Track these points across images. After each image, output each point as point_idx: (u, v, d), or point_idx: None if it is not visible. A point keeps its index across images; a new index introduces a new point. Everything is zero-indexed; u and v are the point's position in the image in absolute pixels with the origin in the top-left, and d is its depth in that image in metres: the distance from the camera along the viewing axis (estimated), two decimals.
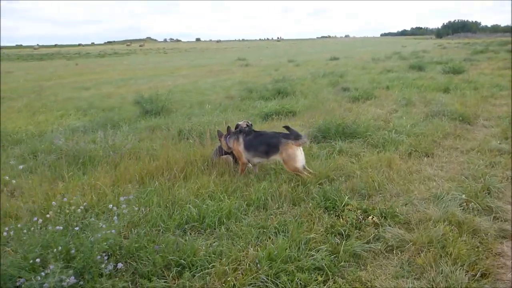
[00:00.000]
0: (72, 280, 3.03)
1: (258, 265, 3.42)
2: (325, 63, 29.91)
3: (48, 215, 3.84)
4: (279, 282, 3.24)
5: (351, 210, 4.32)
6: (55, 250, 3.29)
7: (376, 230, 4.04)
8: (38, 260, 3.22)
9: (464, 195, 4.60)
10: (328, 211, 4.43)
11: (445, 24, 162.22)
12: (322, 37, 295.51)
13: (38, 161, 6.53)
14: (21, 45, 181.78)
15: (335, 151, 6.53)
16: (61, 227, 3.56)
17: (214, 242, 3.87)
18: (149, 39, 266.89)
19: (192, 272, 3.40)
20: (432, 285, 3.22)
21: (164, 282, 3.30)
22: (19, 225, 3.70)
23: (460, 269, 3.34)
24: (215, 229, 4.16)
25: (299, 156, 5.36)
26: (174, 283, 3.30)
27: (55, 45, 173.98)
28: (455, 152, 6.61)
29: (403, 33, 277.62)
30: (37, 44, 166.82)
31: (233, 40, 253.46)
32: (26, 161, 6.67)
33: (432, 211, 4.32)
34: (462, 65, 18.31)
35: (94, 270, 3.27)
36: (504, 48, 34.50)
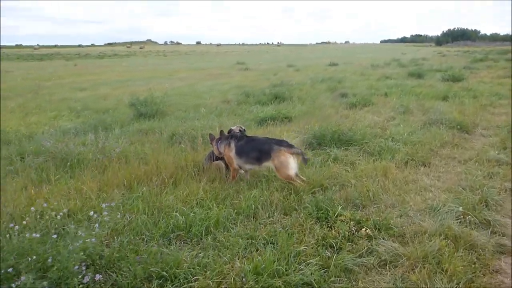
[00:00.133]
0: None
1: (244, 279, 3.25)
2: (324, 68, 29.82)
3: (25, 222, 3.66)
4: None
5: (343, 221, 4.16)
6: (29, 259, 3.12)
7: (369, 243, 3.88)
8: (10, 269, 3.04)
9: (461, 207, 4.44)
10: (320, 221, 4.27)
11: (444, 32, 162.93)
12: (322, 42, 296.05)
13: (25, 163, 6.36)
14: (21, 44, 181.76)
15: (330, 158, 6.37)
16: (38, 235, 3.38)
17: (200, 253, 3.70)
18: (149, 41, 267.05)
19: (174, 285, 3.23)
20: None
21: None
22: None
23: (456, 287, 3.19)
24: (201, 238, 3.99)
25: (292, 164, 5.20)
26: None
27: (55, 46, 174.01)
28: (453, 162, 6.46)
29: (403, 40, 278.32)
30: (37, 44, 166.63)
31: (234, 44, 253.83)
32: (13, 163, 6.49)
33: (428, 223, 4.16)
34: (461, 73, 18.21)
35: (71, 281, 3.10)
36: (503, 56, 34.51)
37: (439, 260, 3.52)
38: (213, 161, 5.98)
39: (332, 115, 9.86)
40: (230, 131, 6.04)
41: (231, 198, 4.84)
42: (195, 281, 3.25)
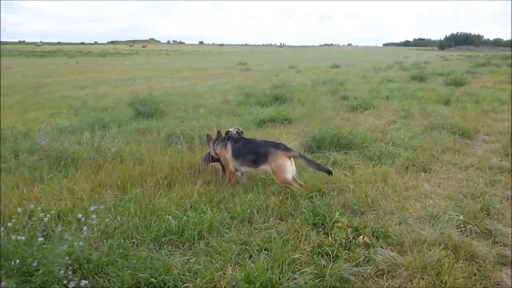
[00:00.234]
0: None
1: (235, 287, 3.13)
2: (326, 70, 29.70)
3: (10, 223, 3.55)
4: None
5: (341, 228, 4.04)
6: (13, 263, 3.01)
7: (367, 251, 3.76)
8: None
9: (462, 216, 4.32)
10: (316, 227, 4.15)
11: (447, 36, 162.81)
12: (325, 44, 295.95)
13: (19, 162, 6.25)
14: (24, 41, 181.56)
15: (329, 162, 6.25)
16: (24, 237, 3.27)
17: (191, 259, 3.59)
18: (152, 40, 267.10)
19: None
20: None
21: None
22: None
23: None
24: (194, 243, 3.88)
25: (289, 167, 5.09)
26: None
27: (58, 43, 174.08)
28: (454, 168, 6.34)
29: (406, 43, 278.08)
30: (40, 41, 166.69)
31: (236, 45, 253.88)
32: (7, 160, 6.39)
33: (428, 232, 4.04)
34: (463, 78, 18.07)
35: (55, 287, 2.98)
36: (506, 62, 34.32)
37: (439, 271, 3.39)
38: (210, 162, 5.87)
39: (333, 118, 9.74)
40: (227, 132, 5.93)
41: (226, 201, 4.73)
42: None
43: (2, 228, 3.40)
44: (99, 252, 3.54)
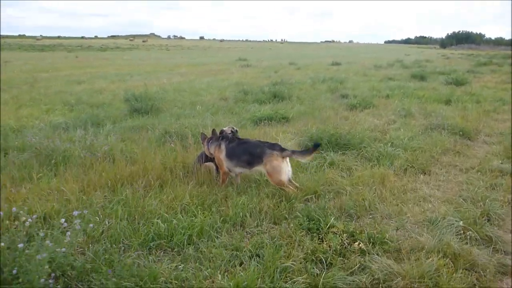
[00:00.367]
0: None
1: None
2: (327, 67, 29.48)
3: None
4: None
5: (336, 233, 3.90)
6: None
7: (362, 259, 3.61)
8: None
9: (461, 221, 4.18)
10: (311, 232, 4.01)
11: (449, 34, 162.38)
12: (326, 41, 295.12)
13: (8, 160, 6.10)
14: (24, 35, 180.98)
15: (325, 163, 6.10)
16: (2, 243, 3.12)
17: (180, 265, 3.45)
18: (152, 35, 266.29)
19: None
20: None
21: None
22: None
23: None
24: (183, 248, 3.73)
25: (285, 169, 4.94)
26: None
27: (58, 37, 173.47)
28: (454, 170, 6.19)
29: (407, 41, 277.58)
30: (40, 35, 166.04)
31: (237, 40, 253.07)
32: None
33: (426, 238, 3.90)
34: (465, 77, 17.87)
35: None
36: (507, 61, 34.09)
37: (437, 282, 3.26)
38: (204, 162, 5.72)
39: (332, 117, 9.58)
40: (222, 131, 5.78)
41: (218, 204, 4.58)
42: None
43: None
44: (84, 258, 3.40)
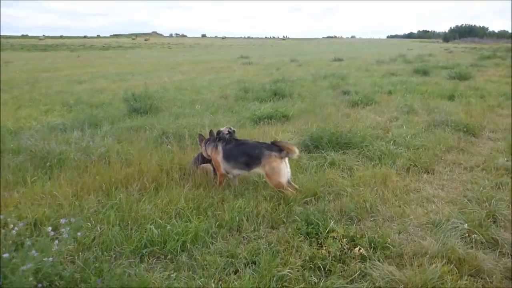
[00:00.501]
0: None
1: None
2: (328, 63, 29.26)
3: None
4: None
5: (335, 238, 3.76)
6: None
7: (363, 265, 3.47)
8: None
9: (466, 224, 4.02)
10: (309, 237, 3.86)
11: (452, 28, 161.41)
12: (328, 37, 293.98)
13: (2, 163, 5.99)
14: (27, 35, 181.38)
15: (326, 163, 5.95)
16: None
17: (172, 274, 3.32)
18: (155, 33, 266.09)
19: None
20: None
21: None
22: None
23: None
24: (176, 255, 3.60)
25: (283, 170, 4.80)
26: None
27: (61, 36, 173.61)
28: (458, 169, 6.03)
29: (410, 35, 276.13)
30: (43, 35, 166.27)
31: (238, 37, 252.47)
32: None
33: (429, 243, 3.75)
34: (468, 71, 17.62)
35: None
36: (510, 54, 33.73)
37: None
38: (202, 163, 5.59)
39: (333, 114, 9.42)
40: (218, 132, 5.64)
41: (214, 208, 4.44)
42: None
43: None
44: (74, 267, 3.28)
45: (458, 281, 3.19)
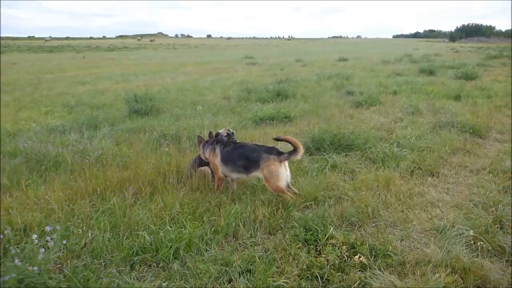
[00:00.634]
0: None
1: None
2: (333, 63, 29.03)
3: None
4: None
5: (335, 246, 3.60)
6: None
7: (363, 274, 3.31)
8: None
9: (471, 230, 3.85)
10: (307, 244, 3.71)
11: (458, 27, 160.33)
12: (334, 37, 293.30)
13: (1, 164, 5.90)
14: (34, 36, 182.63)
15: (327, 165, 5.79)
16: None
17: (163, 283, 3.18)
18: (160, 34, 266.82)
19: None
20: None
21: None
22: None
23: None
24: (168, 263, 3.47)
25: (283, 174, 4.65)
26: None
27: (67, 38, 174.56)
28: (464, 172, 5.85)
29: (416, 35, 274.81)
30: (50, 36, 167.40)
31: (244, 38, 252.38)
32: None
33: (433, 250, 3.58)
34: (475, 71, 17.34)
35: None
36: None
37: None
38: (200, 166, 5.46)
39: (336, 115, 9.25)
40: (217, 134, 5.51)
41: (210, 213, 4.31)
42: None
43: None
44: (61, 276, 3.15)
45: None
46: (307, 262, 3.40)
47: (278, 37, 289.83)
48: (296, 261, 3.45)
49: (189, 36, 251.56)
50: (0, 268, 2.99)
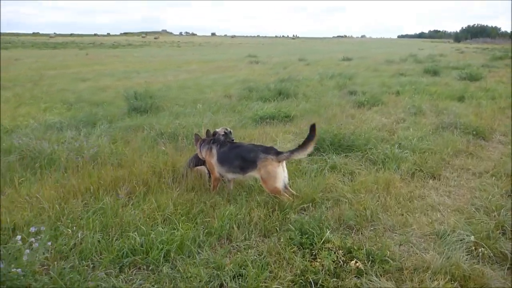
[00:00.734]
0: None
1: None
2: (337, 63, 28.86)
3: None
4: None
5: (331, 250, 3.49)
6: None
7: (359, 280, 3.20)
8: None
9: (472, 236, 3.73)
10: (303, 248, 3.60)
11: (463, 28, 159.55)
12: (338, 36, 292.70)
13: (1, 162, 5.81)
14: (38, 32, 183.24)
15: (327, 166, 5.67)
16: None
17: (152, 286, 3.08)
18: (164, 31, 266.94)
19: None
20: None
21: None
22: None
23: None
24: (158, 266, 3.36)
25: (280, 174, 4.54)
26: None
27: (71, 34, 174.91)
28: (466, 174, 5.72)
29: (421, 35, 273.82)
30: (54, 33, 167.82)
31: (248, 36, 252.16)
32: None
33: (432, 256, 3.47)
34: (479, 72, 17.17)
35: None
36: None
37: None
38: (197, 165, 5.36)
39: (337, 115, 9.12)
40: (215, 133, 5.40)
41: (204, 214, 4.20)
42: None
43: None
44: (47, 278, 3.06)
45: None
46: (302, 267, 3.29)
47: (283, 36, 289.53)
48: (290, 266, 3.34)
49: (193, 34, 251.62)
50: None
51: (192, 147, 6.26)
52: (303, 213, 4.32)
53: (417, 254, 3.59)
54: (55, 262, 3.27)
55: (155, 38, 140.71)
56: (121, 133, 7.64)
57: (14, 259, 3.06)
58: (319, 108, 10.09)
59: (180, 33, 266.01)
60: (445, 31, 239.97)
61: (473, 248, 3.63)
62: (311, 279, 3.15)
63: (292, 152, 4.57)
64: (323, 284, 3.14)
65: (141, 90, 11.66)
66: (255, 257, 3.46)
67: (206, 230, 3.87)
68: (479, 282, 3.13)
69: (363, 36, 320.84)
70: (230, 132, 5.53)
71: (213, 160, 4.91)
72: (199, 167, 5.34)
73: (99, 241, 3.59)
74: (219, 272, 3.24)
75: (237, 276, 3.20)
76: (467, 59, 29.14)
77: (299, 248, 3.60)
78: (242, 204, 4.37)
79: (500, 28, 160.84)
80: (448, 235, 3.84)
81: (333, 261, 3.35)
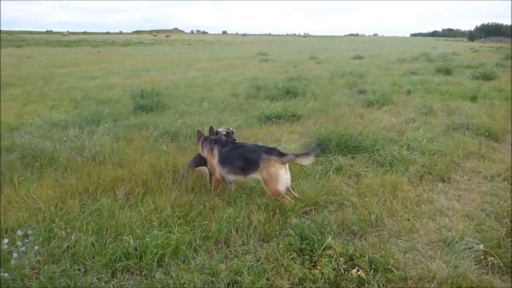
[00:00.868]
0: None
1: None
2: (348, 61, 28.53)
3: None
4: None
5: (332, 257, 3.34)
6: None
7: None
8: None
9: (482, 244, 3.55)
10: (302, 255, 3.45)
11: (478, 26, 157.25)
12: (350, 34, 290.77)
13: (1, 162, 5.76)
14: (51, 30, 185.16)
15: (332, 168, 5.51)
16: None
17: None
18: (176, 30, 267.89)
19: None
20: None
21: None
22: None
23: None
24: (152, 271, 3.25)
25: (282, 176, 4.40)
26: None
27: (84, 32, 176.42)
28: (477, 178, 5.51)
29: (434, 34, 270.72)
30: (67, 31, 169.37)
31: (259, 34, 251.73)
32: None
33: (438, 265, 3.30)
34: (493, 71, 16.76)
35: None
36: None
37: None
38: (198, 165, 5.23)
39: (346, 115, 8.94)
40: (217, 133, 5.27)
41: (202, 217, 4.07)
42: None
43: None
44: (36, 282, 2.96)
45: None
46: (300, 274, 3.15)
47: (294, 34, 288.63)
48: (288, 273, 3.20)
49: (204, 32, 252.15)
50: None
51: (195, 147, 6.15)
52: (304, 217, 4.17)
53: (423, 262, 3.42)
54: (46, 266, 3.17)
55: (166, 36, 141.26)
56: (124, 132, 7.57)
57: (3, 262, 2.97)
58: (327, 107, 9.91)
59: (192, 31, 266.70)
60: (459, 29, 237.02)
61: (482, 257, 3.45)
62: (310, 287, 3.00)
63: (297, 155, 4.45)
64: None
65: (148, 88, 11.61)
66: (252, 263, 3.33)
67: (203, 234, 3.75)
68: None
69: (375, 35, 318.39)
70: (232, 131, 5.41)
71: (214, 161, 4.78)
72: (200, 168, 5.21)
73: (92, 244, 3.49)
74: (213, 279, 3.11)
75: (232, 284, 3.07)
76: (481, 58, 28.60)
77: (298, 255, 3.45)
78: (242, 206, 4.23)
79: None
80: (456, 242, 3.67)
81: (333, 269, 3.21)
